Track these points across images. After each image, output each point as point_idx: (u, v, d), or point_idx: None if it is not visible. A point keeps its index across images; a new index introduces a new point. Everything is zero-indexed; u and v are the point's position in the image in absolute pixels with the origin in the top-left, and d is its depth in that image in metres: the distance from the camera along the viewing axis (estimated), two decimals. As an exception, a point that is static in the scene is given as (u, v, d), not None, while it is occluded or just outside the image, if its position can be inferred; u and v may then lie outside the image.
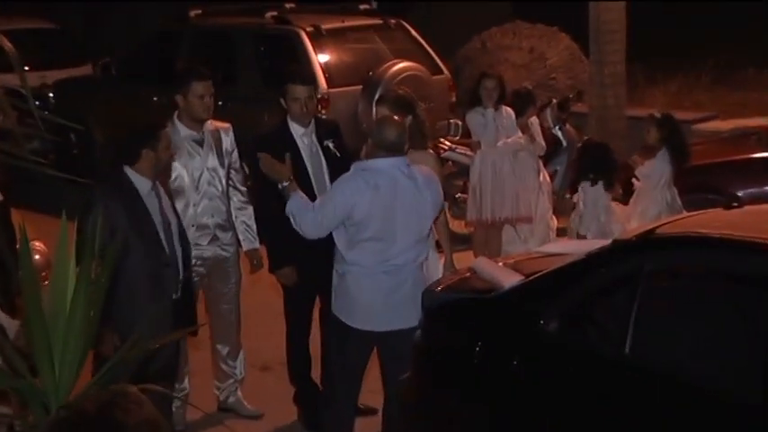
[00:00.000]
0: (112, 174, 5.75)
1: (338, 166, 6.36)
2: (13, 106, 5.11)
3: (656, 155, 7.94)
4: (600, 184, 7.84)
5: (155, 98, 12.07)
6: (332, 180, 6.38)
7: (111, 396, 2.92)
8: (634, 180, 8.04)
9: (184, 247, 5.89)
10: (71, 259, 3.65)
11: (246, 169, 7.38)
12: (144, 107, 12.02)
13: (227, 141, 6.78)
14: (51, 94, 12.96)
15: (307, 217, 5.74)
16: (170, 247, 5.70)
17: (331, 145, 6.56)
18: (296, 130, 6.60)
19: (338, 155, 6.61)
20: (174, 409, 6.54)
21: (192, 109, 6.60)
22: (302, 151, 6.55)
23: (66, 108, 12.42)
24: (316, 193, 6.33)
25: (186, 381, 6.71)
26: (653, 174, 7.91)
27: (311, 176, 6.50)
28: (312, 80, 6.95)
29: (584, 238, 7.52)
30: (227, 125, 6.91)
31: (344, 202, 5.68)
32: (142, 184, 5.67)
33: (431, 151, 6.73)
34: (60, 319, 3.55)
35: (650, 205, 7.82)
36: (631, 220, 7.78)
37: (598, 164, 7.99)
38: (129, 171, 5.66)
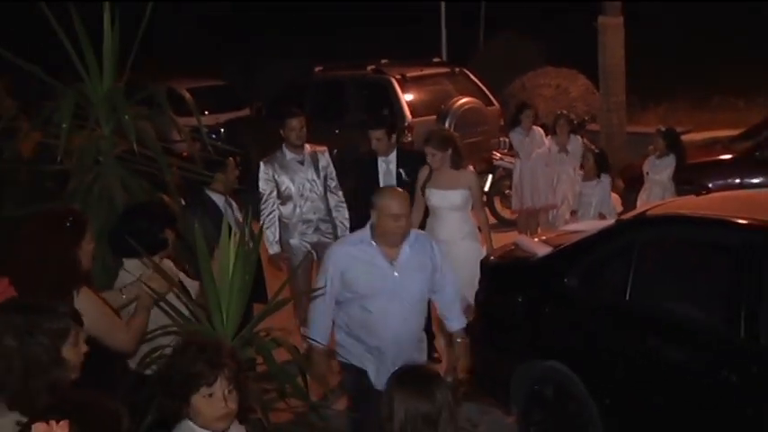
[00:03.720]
0: (197, 194, 5.61)
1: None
2: (197, 139, 5.23)
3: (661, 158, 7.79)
4: (608, 176, 7.78)
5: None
6: None
7: None
8: (645, 175, 7.85)
9: None
10: (231, 242, 3.67)
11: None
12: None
13: (323, 160, 6.59)
14: (222, 130, 13.14)
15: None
16: None
17: (402, 173, 6.33)
18: (380, 158, 6.46)
19: (407, 180, 6.27)
20: None
21: (289, 138, 6.47)
22: (380, 174, 6.42)
23: (232, 139, 12.56)
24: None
25: None
26: (664, 170, 7.74)
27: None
28: (384, 123, 6.52)
29: (604, 217, 7.37)
30: (323, 148, 6.72)
31: None
32: (217, 198, 5.64)
33: (470, 168, 6.29)
34: (225, 282, 3.56)
35: (658, 192, 7.63)
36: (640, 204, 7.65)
37: (605, 164, 7.92)
38: (207, 191, 5.63)
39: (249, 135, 12.51)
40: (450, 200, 6.10)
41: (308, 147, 6.60)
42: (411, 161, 6.45)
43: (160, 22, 4.54)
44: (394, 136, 6.49)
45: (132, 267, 4.06)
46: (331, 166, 6.70)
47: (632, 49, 12.23)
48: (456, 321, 4.75)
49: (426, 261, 4.50)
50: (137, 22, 4.49)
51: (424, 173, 6.21)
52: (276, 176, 6.50)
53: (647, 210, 4.99)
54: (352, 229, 6.37)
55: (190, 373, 2.82)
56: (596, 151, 8.49)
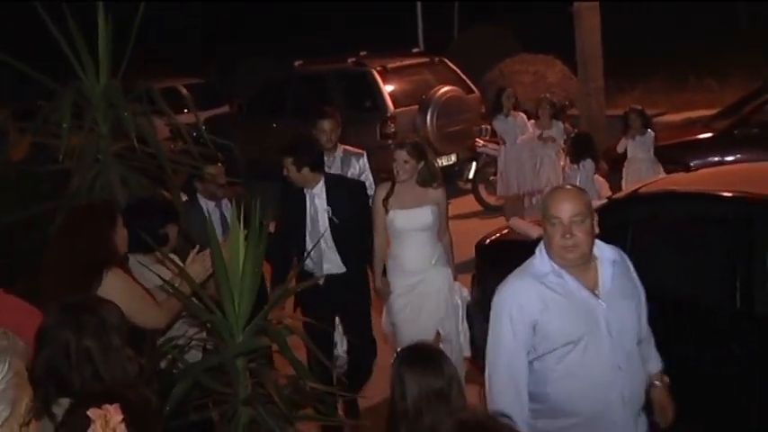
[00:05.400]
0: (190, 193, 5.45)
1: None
2: (193, 135, 5.25)
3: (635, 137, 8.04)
4: (591, 161, 7.87)
5: (274, 125, 12.20)
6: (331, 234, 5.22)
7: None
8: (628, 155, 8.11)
9: None
10: (240, 233, 3.69)
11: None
12: (266, 132, 12.14)
13: (357, 165, 5.96)
14: (204, 127, 13.04)
15: None
16: None
17: (329, 211, 5.23)
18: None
19: (336, 221, 5.23)
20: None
21: (319, 140, 5.78)
22: (307, 206, 5.27)
23: (213, 136, 12.47)
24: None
25: None
26: (649, 147, 8.02)
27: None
28: (292, 150, 5.21)
29: None
30: (360, 151, 6.04)
31: None
32: (204, 203, 5.45)
33: (441, 190, 5.34)
34: (236, 274, 3.59)
35: (644, 170, 7.84)
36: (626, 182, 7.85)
37: (588, 147, 8.01)
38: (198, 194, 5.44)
39: (231, 132, 12.47)
40: (418, 219, 5.21)
41: (342, 148, 6.02)
42: (341, 193, 5.29)
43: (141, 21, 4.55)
44: (306, 169, 5.17)
45: (136, 263, 4.08)
46: (367, 171, 6.02)
47: (605, 32, 12.33)
48: (654, 360, 3.54)
49: (631, 285, 3.35)
50: (119, 23, 4.50)
51: (382, 190, 5.28)
52: None
53: (639, 187, 5.09)
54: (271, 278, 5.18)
55: None
56: (572, 135, 8.60)
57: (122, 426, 1.93)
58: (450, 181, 9.89)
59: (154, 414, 2.11)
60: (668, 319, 4.42)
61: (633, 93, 14.89)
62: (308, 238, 5.23)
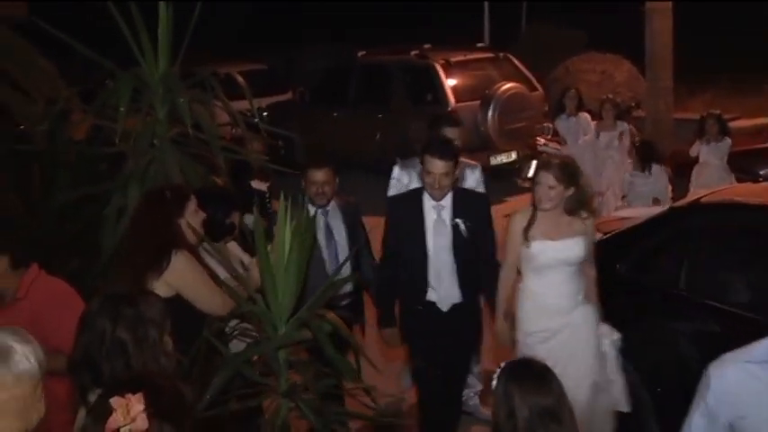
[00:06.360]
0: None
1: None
2: (249, 123, 5.27)
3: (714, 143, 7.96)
4: (658, 166, 7.77)
5: (335, 114, 12.23)
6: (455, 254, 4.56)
7: None
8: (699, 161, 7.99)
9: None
10: (287, 225, 3.69)
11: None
12: (326, 121, 12.18)
13: (472, 179, 5.22)
14: (265, 113, 13.16)
15: None
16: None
17: (461, 224, 4.54)
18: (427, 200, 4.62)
19: (466, 236, 4.55)
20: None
21: None
22: (426, 223, 4.59)
23: (275, 123, 12.60)
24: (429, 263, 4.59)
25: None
26: (724, 155, 7.91)
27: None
28: (453, 154, 4.52)
29: (658, 202, 7.41)
30: (474, 162, 5.36)
31: None
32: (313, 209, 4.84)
33: (591, 219, 4.52)
34: (281, 266, 3.58)
35: (715, 177, 7.71)
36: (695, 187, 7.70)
37: (652, 153, 7.88)
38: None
39: (292, 120, 12.54)
40: (569, 252, 4.39)
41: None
42: (471, 205, 4.62)
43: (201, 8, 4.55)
44: (458, 170, 4.66)
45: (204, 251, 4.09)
46: (481, 186, 5.23)
47: (676, 32, 12.05)
48: None
49: None
50: (182, 8, 4.52)
51: (522, 218, 4.42)
52: (410, 186, 5.18)
53: (701, 196, 4.95)
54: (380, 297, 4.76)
55: None
56: (636, 144, 8.43)
57: (143, 415, 1.92)
58: (509, 179, 9.79)
59: (184, 408, 2.08)
60: (726, 331, 4.30)
61: (704, 96, 14.55)
62: (429, 258, 4.55)
